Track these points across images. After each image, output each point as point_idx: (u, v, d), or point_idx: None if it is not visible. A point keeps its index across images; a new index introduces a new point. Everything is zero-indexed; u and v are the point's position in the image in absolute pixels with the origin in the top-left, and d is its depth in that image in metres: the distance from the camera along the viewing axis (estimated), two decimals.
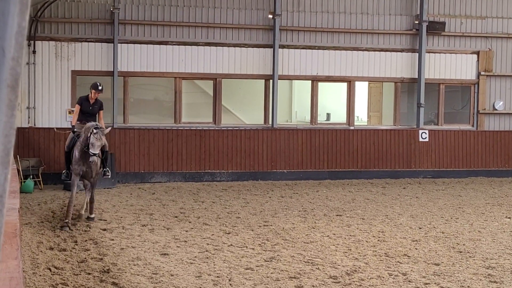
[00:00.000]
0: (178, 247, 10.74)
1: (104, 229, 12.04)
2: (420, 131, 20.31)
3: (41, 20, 18.10)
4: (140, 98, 20.04)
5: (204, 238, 11.41)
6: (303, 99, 22.82)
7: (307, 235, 11.82)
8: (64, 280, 8.65)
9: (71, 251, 10.34)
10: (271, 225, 12.64)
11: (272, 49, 19.55)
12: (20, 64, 1.21)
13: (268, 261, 9.87)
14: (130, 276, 8.89)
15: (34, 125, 18.08)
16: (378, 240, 11.50)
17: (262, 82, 20.04)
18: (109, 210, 14.03)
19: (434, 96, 21.28)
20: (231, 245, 10.94)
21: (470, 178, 20.30)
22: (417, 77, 20.60)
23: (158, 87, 20.36)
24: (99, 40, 18.58)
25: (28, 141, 17.49)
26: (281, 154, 19.28)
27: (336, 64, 20.21)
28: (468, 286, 8.69)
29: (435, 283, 8.80)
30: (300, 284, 8.63)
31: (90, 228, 12.14)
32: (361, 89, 21.85)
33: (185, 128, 18.93)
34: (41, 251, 10.25)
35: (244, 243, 11.07)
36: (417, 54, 20.57)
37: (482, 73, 21.12)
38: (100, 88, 13.01)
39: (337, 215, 13.86)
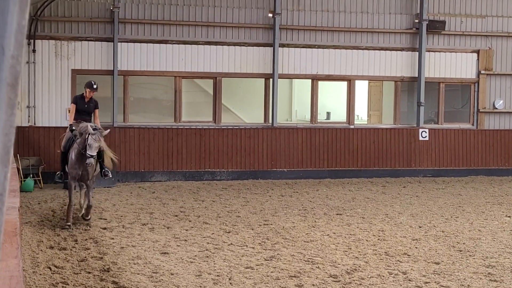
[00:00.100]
0: (178, 246, 10.74)
1: (104, 228, 12.04)
2: (420, 130, 20.31)
3: (41, 19, 18.10)
4: (140, 97, 20.04)
5: (204, 237, 11.41)
6: (303, 98, 22.82)
7: (307, 234, 11.82)
8: (64, 279, 8.65)
9: (71, 250, 10.34)
10: (271, 224, 12.64)
11: (272, 48, 19.54)
12: (20, 62, 1.21)
13: (268, 260, 9.87)
14: (130, 275, 8.89)
15: (34, 124, 18.08)
16: (378, 239, 11.50)
17: (262, 81, 20.04)
18: (109, 209, 14.03)
19: (434, 95, 21.28)
20: (231, 244, 10.94)
21: (470, 177, 20.30)
22: (417, 76, 20.59)
23: (158, 86, 20.36)
24: (99, 39, 18.58)
25: (28, 140, 17.49)
26: (281, 153, 19.28)
27: (336, 63, 20.21)
28: (468, 285, 8.69)
29: (435, 282, 8.80)
30: (300, 283, 8.63)
31: (90, 227, 12.14)
32: (361, 88, 21.85)
33: (185, 127, 18.93)
34: (41, 250, 10.25)
35: (244, 242, 11.07)
36: (417, 53, 20.57)
37: (482, 72, 21.12)
38: (95, 86, 12.79)
39: (337, 214, 13.86)
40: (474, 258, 10.14)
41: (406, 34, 20.68)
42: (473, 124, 21.24)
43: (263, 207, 14.64)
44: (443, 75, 21.01)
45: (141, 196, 15.89)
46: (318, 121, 20.63)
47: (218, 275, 8.95)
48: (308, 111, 20.99)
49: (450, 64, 21.01)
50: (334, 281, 8.76)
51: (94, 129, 11.74)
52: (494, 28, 21.19)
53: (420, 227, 12.63)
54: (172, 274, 8.99)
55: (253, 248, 10.66)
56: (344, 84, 20.78)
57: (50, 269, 9.10)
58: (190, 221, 12.89)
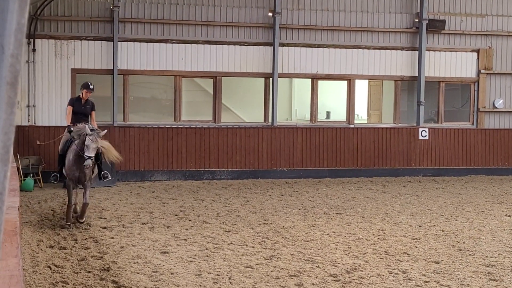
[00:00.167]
0: (178, 245, 10.74)
1: (104, 227, 12.04)
2: (420, 129, 20.31)
3: (41, 18, 18.09)
4: (140, 96, 20.03)
5: (204, 236, 11.41)
6: (303, 97, 22.82)
7: (307, 233, 11.82)
8: (64, 278, 8.65)
9: (71, 249, 10.34)
10: (271, 223, 12.64)
11: (272, 47, 19.54)
12: (20, 61, 1.21)
13: (268, 259, 9.87)
14: (130, 274, 8.89)
15: (34, 123, 18.08)
16: (378, 238, 11.50)
17: (262, 80, 20.04)
18: (109, 208, 14.03)
19: (434, 94, 21.28)
20: (231, 243, 10.94)
21: (470, 176, 20.30)
22: (417, 75, 20.59)
23: (158, 85, 20.36)
24: (99, 38, 18.57)
25: (28, 139, 17.49)
26: (281, 152, 19.28)
27: (336, 62, 20.20)
28: (468, 284, 8.69)
29: (435, 281, 8.80)
30: (300, 282, 8.63)
31: (90, 226, 12.14)
32: (361, 87, 21.85)
33: (185, 127, 18.93)
34: (41, 249, 10.25)
35: (244, 241, 11.07)
36: (417, 52, 20.56)
37: (482, 71, 21.12)
38: (91, 87, 12.65)
39: (337, 213, 13.86)
40: (474, 257, 10.15)
41: (406, 33, 20.68)
42: (473, 124, 21.24)
43: (263, 206, 14.64)
44: (443, 74, 21.01)
45: (141, 196, 15.89)
46: (318, 120, 20.63)
47: (218, 274, 8.95)
48: (308, 110, 20.99)
49: (450, 63, 21.01)
50: (334, 280, 8.76)
51: (91, 130, 11.62)
52: (494, 27, 21.19)
53: (420, 226, 12.63)
54: (172, 273, 8.99)
55: (253, 247, 10.66)
56: (344, 84, 20.77)
57: (50, 268, 9.10)
58: (190, 220, 12.89)
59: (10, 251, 3.90)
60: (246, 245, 10.82)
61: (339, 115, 21.54)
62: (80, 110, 12.64)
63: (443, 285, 8.63)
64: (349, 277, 8.92)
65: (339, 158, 19.70)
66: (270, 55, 19.60)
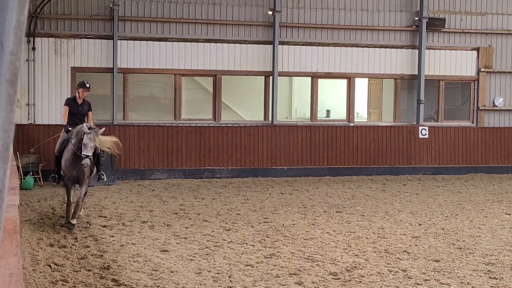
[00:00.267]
0: (178, 243, 10.74)
1: (104, 226, 12.04)
2: (420, 128, 20.31)
3: (41, 16, 18.08)
4: (139, 95, 20.03)
5: (204, 235, 11.41)
6: (303, 96, 22.81)
7: (307, 231, 11.83)
8: (64, 276, 8.65)
9: (71, 247, 10.34)
10: (271, 222, 12.64)
11: (272, 45, 19.54)
12: (19, 58, 1.21)
13: (268, 257, 9.88)
14: (130, 272, 8.90)
15: (34, 122, 18.07)
16: (378, 236, 11.51)
17: (262, 78, 20.03)
18: (109, 207, 14.03)
19: (434, 93, 21.28)
20: (231, 241, 10.94)
21: (470, 175, 20.30)
22: (417, 73, 20.59)
23: (158, 84, 20.35)
24: (99, 37, 18.57)
25: (28, 137, 17.48)
26: (281, 151, 19.28)
27: (336, 60, 20.20)
28: (468, 283, 8.69)
29: (435, 280, 8.80)
30: (300, 281, 8.64)
31: (90, 225, 12.14)
32: (361, 85, 21.85)
33: (185, 125, 18.93)
34: (41, 248, 10.26)
35: (244, 240, 11.07)
36: (417, 50, 20.56)
37: (482, 69, 21.12)
38: (87, 86, 12.45)
39: (337, 212, 13.86)
40: (473, 256, 10.15)
41: (406, 32, 20.67)
42: (473, 122, 21.24)
43: (263, 205, 14.65)
44: (443, 72, 21.01)
45: (141, 194, 15.89)
46: (318, 119, 20.63)
47: (218, 273, 8.96)
48: (308, 109, 20.99)
49: (450, 61, 21.01)
50: (334, 279, 8.77)
51: (89, 129, 11.42)
52: (494, 26, 21.19)
53: (420, 224, 12.63)
54: (172, 271, 8.99)
55: (253, 245, 10.66)
56: (344, 82, 20.77)
57: (50, 267, 9.11)
58: (190, 219, 12.89)
59: (10, 250, 3.90)
60: (246, 243, 10.82)
61: (339, 113, 21.54)
62: (77, 110, 12.44)
63: (443, 283, 8.64)
64: (349, 276, 8.92)
65: (339, 157, 19.71)
66: (270, 54, 19.60)
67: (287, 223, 12.56)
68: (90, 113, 12.63)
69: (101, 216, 12.94)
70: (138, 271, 8.99)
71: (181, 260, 9.63)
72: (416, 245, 10.83)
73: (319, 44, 20.02)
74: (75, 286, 8.27)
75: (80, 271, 8.96)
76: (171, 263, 9.47)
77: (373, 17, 20.36)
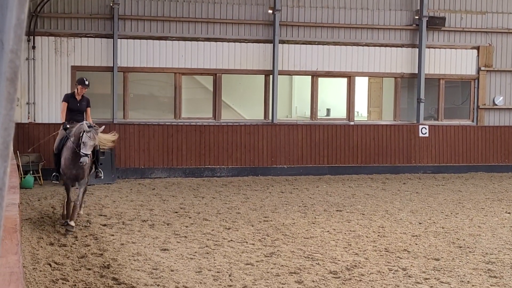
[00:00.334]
0: (178, 242, 10.74)
1: (104, 225, 12.05)
2: (420, 127, 20.31)
3: (41, 15, 18.08)
4: (140, 94, 20.03)
5: (204, 234, 11.41)
6: (303, 95, 22.80)
7: (307, 230, 11.83)
8: (64, 275, 8.65)
9: (71, 246, 10.35)
10: (271, 221, 12.64)
11: (272, 44, 19.53)
12: (19, 57, 1.21)
13: (268, 256, 9.88)
14: (130, 271, 8.90)
15: (34, 120, 18.07)
16: (378, 235, 11.51)
17: (262, 77, 20.03)
18: (109, 205, 14.03)
19: (434, 92, 21.28)
20: (231, 240, 10.94)
21: (470, 173, 20.30)
22: (417, 72, 20.59)
23: (158, 83, 20.35)
24: (99, 36, 18.57)
25: (28, 136, 17.48)
26: (281, 150, 19.28)
27: (336, 59, 20.20)
28: (468, 281, 8.69)
29: (435, 278, 8.80)
30: (300, 279, 8.64)
31: (90, 223, 12.14)
32: (361, 84, 21.84)
33: (185, 124, 18.93)
34: (41, 247, 10.26)
35: (244, 239, 11.07)
36: (417, 49, 20.56)
37: (482, 68, 21.11)
38: (86, 83, 12.28)
39: (337, 211, 13.86)
40: (474, 255, 10.15)
41: (406, 31, 20.67)
42: (473, 121, 21.24)
43: (263, 203, 14.65)
44: (443, 71, 21.00)
45: (141, 193, 15.89)
46: (318, 117, 20.63)
47: (218, 272, 8.96)
48: (308, 107, 20.99)
49: (450, 60, 21.00)
50: (334, 278, 8.77)
51: (89, 127, 11.26)
52: (494, 25, 21.18)
53: (420, 223, 12.63)
54: (172, 270, 8.99)
55: (253, 244, 10.66)
56: (344, 81, 20.77)
57: (50, 266, 9.11)
58: (190, 217, 12.89)
59: (10, 248, 3.90)
60: (246, 242, 10.83)
61: (339, 112, 21.54)
62: (76, 107, 12.27)
63: (443, 282, 8.64)
64: (349, 274, 8.92)
65: (339, 155, 19.71)
66: (270, 52, 19.59)
67: (287, 222, 12.56)
68: (88, 109, 12.47)
69: (101, 215, 12.94)
70: (138, 270, 8.99)
71: (181, 259, 9.63)
72: (416, 244, 10.84)
73: (319, 43, 20.01)
74: (75, 285, 8.27)
75: (80, 269, 8.96)
76: (171, 261, 9.47)
77: (373, 16, 20.36)
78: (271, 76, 19.68)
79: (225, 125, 19.12)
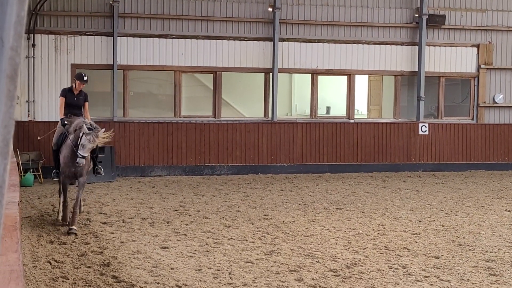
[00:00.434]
0: (178, 240, 10.75)
1: (104, 223, 12.05)
2: (420, 124, 20.31)
3: (41, 13, 18.07)
4: (140, 92, 20.02)
5: (204, 232, 11.41)
6: (303, 93, 22.80)
7: (307, 228, 11.83)
8: (64, 273, 8.66)
9: (71, 244, 10.35)
10: (271, 219, 12.64)
11: (272, 42, 19.52)
12: (19, 54, 1.20)
13: (268, 254, 9.88)
14: (130, 269, 8.90)
15: (34, 118, 18.07)
16: (378, 233, 11.51)
17: (262, 75, 20.02)
18: (109, 203, 14.03)
19: (434, 89, 21.27)
20: (231, 238, 10.94)
21: (470, 171, 20.30)
22: (417, 70, 20.58)
23: (158, 81, 20.34)
24: (99, 34, 18.55)
25: (28, 134, 17.48)
26: (281, 148, 19.28)
27: (336, 57, 20.19)
28: (467, 279, 8.70)
29: (435, 276, 8.80)
30: (300, 277, 8.64)
31: (90, 221, 12.14)
32: (361, 82, 21.83)
33: (185, 122, 18.93)
34: (41, 245, 10.26)
35: (244, 237, 11.07)
36: (417, 47, 20.55)
37: (482, 66, 21.10)
38: (85, 78, 12.08)
39: (337, 209, 13.87)
40: (473, 252, 10.15)
41: (406, 29, 20.65)
42: (473, 119, 21.23)
43: (263, 201, 14.65)
44: (443, 69, 20.99)
45: (141, 191, 15.90)
46: (318, 115, 20.62)
47: (218, 270, 8.96)
48: (308, 105, 20.98)
49: (450, 58, 20.99)
50: (334, 275, 8.77)
51: (89, 129, 11.03)
52: (494, 22, 21.17)
53: (420, 221, 12.64)
54: (172, 268, 9.00)
55: (253, 242, 10.66)
56: (344, 79, 20.76)
57: (50, 264, 9.11)
58: (190, 215, 12.90)
59: (10, 246, 3.90)
60: (246, 240, 10.83)
61: (339, 110, 21.53)
62: (73, 101, 12.08)
63: (443, 280, 8.64)
64: (349, 272, 8.93)
65: (339, 153, 19.71)
66: (270, 50, 19.58)
67: (287, 220, 12.57)
68: (86, 104, 12.28)
69: (101, 213, 12.94)
70: (138, 268, 8.99)
71: (181, 257, 9.64)
72: (416, 242, 10.84)
73: (319, 41, 20.01)
74: (75, 283, 8.27)
75: (80, 268, 8.97)
76: (171, 259, 9.48)
77: (373, 13, 20.35)
78: (271, 74, 19.67)
79: (225, 123, 19.12)
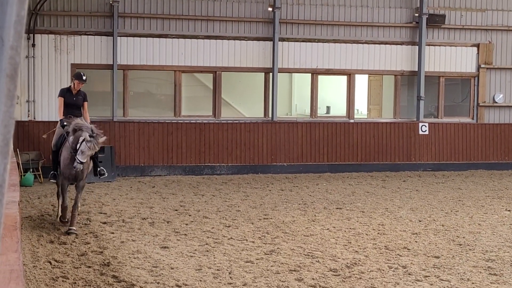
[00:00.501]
0: (178, 240, 10.75)
1: (104, 223, 12.05)
2: (420, 124, 20.31)
3: (41, 13, 18.06)
4: (139, 92, 20.02)
5: (204, 231, 11.41)
6: (303, 92, 22.80)
7: (307, 228, 11.83)
8: (64, 273, 8.66)
9: (71, 244, 10.35)
10: (271, 218, 12.64)
11: (272, 42, 19.52)
12: (19, 53, 1.20)
13: (268, 254, 9.88)
14: (130, 269, 8.90)
15: (34, 118, 18.07)
16: (378, 233, 11.51)
17: (262, 75, 20.02)
18: (109, 203, 14.03)
19: (434, 89, 21.27)
20: (231, 238, 10.94)
21: (470, 171, 20.30)
22: (417, 70, 20.57)
23: (158, 80, 20.35)
24: (99, 33, 18.55)
25: (28, 134, 17.48)
26: (281, 147, 19.28)
27: (336, 57, 20.19)
28: (468, 279, 8.70)
29: (435, 276, 8.80)
30: (300, 277, 8.64)
31: (90, 221, 12.14)
32: (361, 82, 21.84)
33: (185, 122, 18.93)
34: (41, 244, 10.26)
35: (244, 236, 11.07)
36: (417, 47, 20.54)
37: (482, 65, 21.10)
38: (84, 78, 11.96)
39: (337, 208, 13.87)
40: (474, 252, 10.15)
41: (406, 28, 20.65)
42: (473, 118, 21.23)
43: (263, 201, 14.65)
44: (443, 69, 20.99)
45: (141, 191, 15.90)
46: (318, 115, 20.62)
47: (218, 269, 8.96)
48: (308, 105, 20.98)
49: (450, 58, 20.99)
50: (334, 275, 8.77)
51: (90, 136, 10.87)
52: (494, 22, 21.17)
53: (420, 221, 12.64)
54: (172, 268, 9.00)
55: (253, 242, 10.66)
56: (344, 78, 20.76)
57: (50, 263, 9.11)
58: (190, 215, 12.90)
59: (10, 246, 3.89)
60: (246, 240, 10.83)
61: (339, 110, 21.54)
62: (72, 101, 11.95)
63: (443, 280, 8.64)
64: (349, 272, 8.93)
65: (339, 153, 19.71)
66: (270, 50, 19.58)
67: (287, 219, 12.57)
68: (85, 103, 12.14)
69: (101, 213, 12.94)
70: (138, 268, 8.99)
71: (181, 257, 9.64)
72: (416, 242, 10.84)
73: (319, 41, 20.00)
74: (75, 283, 8.27)
75: (80, 267, 8.97)
76: (171, 259, 9.48)
77: (373, 13, 20.34)
78: (271, 73, 19.67)
79: (225, 123, 19.12)
